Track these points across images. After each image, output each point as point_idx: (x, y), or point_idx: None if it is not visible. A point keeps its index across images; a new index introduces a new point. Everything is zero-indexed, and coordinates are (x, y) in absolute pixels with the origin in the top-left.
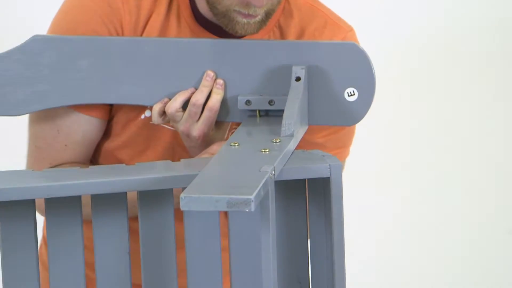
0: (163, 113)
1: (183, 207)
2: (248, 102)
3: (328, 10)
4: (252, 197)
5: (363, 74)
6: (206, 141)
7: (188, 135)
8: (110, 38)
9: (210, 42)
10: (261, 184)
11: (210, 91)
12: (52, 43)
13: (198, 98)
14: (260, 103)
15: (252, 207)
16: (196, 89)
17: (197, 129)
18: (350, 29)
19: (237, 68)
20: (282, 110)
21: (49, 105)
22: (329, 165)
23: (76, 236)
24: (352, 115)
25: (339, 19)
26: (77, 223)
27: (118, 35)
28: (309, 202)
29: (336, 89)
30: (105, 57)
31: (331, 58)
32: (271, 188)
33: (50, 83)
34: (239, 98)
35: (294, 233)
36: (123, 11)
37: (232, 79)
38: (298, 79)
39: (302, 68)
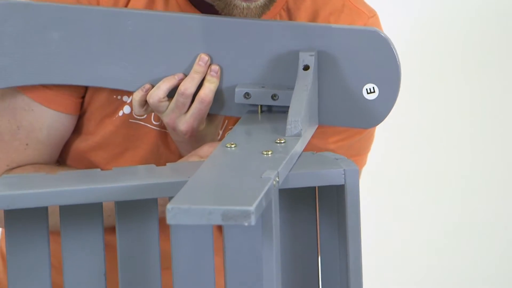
0: (145, 102)
1: (170, 220)
2: (247, 95)
3: None
4: (252, 208)
5: (385, 67)
6: (195, 136)
7: (174, 129)
8: (87, 8)
9: (205, 20)
10: (262, 193)
11: (203, 79)
12: (17, 10)
13: (188, 86)
14: (261, 97)
15: (252, 220)
16: (186, 75)
17: (185, 122)
18: (373, 14)
19: (236, 52)
20: (288, 107)
21: (9, 83)
22: (344, 170)
23: (42, 253)
24: (371, 116)
25: (360, 1)
26: (43, 238)
27: None
28: (319, 214)
29: (352, 84)
30: (80, 29)
31: (347, 47)
32: (275, 197)
33: (12, 57)
34: (236, 90)
35: (301, 250)
36: None
37: (229, 65)
38: (306, 67)
39: (311, 55)
